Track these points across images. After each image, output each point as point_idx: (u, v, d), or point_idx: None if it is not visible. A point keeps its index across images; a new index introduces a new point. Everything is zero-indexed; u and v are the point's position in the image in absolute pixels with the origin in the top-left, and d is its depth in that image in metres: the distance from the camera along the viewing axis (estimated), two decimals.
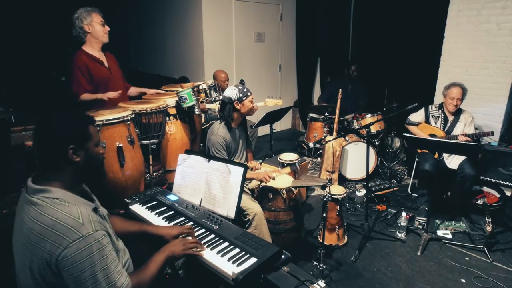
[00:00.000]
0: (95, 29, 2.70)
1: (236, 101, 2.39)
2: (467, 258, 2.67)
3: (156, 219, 1.78)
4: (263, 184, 2.50)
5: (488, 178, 3.13)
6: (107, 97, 2.68)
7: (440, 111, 3.36)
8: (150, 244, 1.61)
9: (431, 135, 3.29)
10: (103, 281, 1.09)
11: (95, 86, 2.72)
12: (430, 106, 3.44)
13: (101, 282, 1.09)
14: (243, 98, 2.40)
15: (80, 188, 1.28)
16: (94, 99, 2.66)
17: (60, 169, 1.19)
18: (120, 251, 1.29)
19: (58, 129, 1.17)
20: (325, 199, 2.39)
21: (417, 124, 3.49)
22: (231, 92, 2.39)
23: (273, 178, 2.44)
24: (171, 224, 1.72)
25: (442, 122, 3.33)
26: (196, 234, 1.61)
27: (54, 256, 1.05)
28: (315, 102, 6.17)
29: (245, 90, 2.42)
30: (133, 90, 3.17)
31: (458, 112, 3.29)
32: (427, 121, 3.43)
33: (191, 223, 1.72)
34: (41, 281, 1.10)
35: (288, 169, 2.65)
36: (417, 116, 3.49)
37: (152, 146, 2.81)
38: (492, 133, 3.09)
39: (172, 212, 1.84)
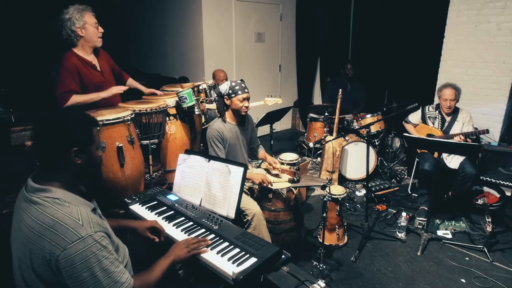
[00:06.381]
0: (89, 33, 2.47)
1: (225, 96, 2.40)
2: (467, 258, 2.67)
3: (156, 219, 1.77)
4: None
5: (488, 178, 3.13)
6: (100, 97, 2.49)
7: (437, 111, 3.36)
8: (150, 244, 1.61)
9: (429, 135, 3.29)
10: (104, 281, 1.09)
11: (86, 91, 2.51)
12: (427, 107, 3.44)
13: (101, 282, 1.09)
14: (232, 95, 2.37)
15: (78, 188, 1.28)
16: (87, 100, 2.44)
17: (61, 170, 1.19)
18: (120, 249, 1.30)
19: (63, 131, 1.17)
20: (325, 199, 2.39)
21: (415, 125, 3.50)
22: (223, 86, 2.41)
23: (271, 184, 2.43)
24: (171, 224, 1.72)
25: (440, 122, 3.33)
26: (196, 234, 1.61)
27: (54, 256, 1.06)
28: (315, 102, 6.18)
29: (237, 87, 2.36)
30: (131, 83, 3.06)
31: (455, 112, 3.29)
32: (424, 122, 3.43)
33: (191, 223, 1.72)
34: (41, 278, 1.11)
35: (287, 177, 2.60)
36: (414, 117, 3.50)
37: (152, 146, 2.80)
38: (488, 131, 3.09)
39: (172, 212, 1.84)
